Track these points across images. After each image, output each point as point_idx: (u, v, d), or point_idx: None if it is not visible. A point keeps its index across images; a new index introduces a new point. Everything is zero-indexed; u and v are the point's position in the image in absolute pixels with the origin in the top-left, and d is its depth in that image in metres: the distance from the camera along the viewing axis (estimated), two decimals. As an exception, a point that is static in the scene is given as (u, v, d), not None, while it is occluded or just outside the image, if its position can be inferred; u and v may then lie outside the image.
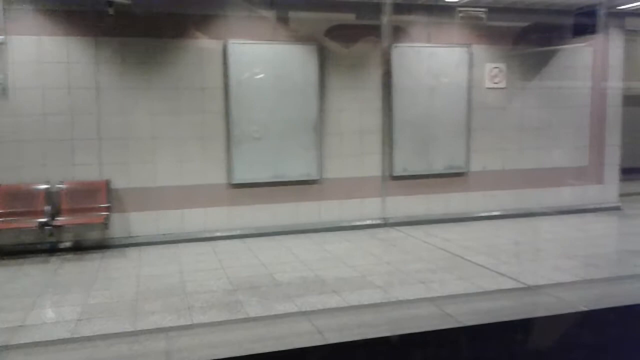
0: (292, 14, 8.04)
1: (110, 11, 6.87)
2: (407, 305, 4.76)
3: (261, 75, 7.88)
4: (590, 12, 8.75)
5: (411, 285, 5.40)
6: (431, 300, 4.83)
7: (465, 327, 4.20)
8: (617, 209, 9.67)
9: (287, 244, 7.37)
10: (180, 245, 7.45)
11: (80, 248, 7.34)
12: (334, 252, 6.88)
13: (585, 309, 4.60)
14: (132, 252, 7.14)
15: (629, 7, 9.12)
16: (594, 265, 6.07)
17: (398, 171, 8.60)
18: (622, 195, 11.27)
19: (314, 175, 8.24)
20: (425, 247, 7.08)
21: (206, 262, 6.47)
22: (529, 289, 5.22)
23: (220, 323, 4.46)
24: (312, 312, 4.60)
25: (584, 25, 8.99)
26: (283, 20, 8.02)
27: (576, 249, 6.96)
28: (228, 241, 7.62)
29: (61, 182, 7.28)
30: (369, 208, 8.54)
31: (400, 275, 5.79)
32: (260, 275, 5.83)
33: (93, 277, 6.00)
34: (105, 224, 7.18)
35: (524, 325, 4.24)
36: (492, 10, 8.81)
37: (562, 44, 9.30)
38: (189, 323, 4.47)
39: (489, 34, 8.93)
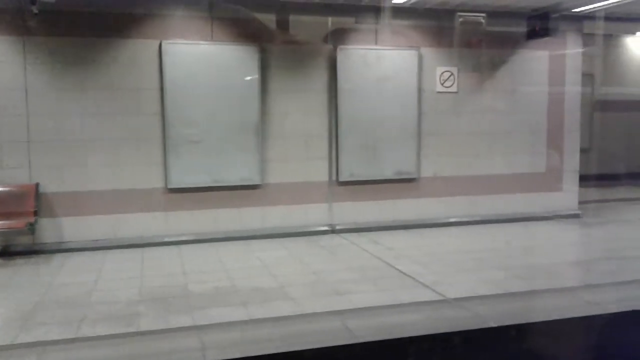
0: (232, 14, 7.80)
1: (35, 10, 6.63)
2: (309, 319, 4.52)
3: (199, 77, 7.64)
4: (544, 16, 8.54)
5: (327, 297, 5.15)
6: (338, 313, 4.58)
7: (360, 344, 3.95)
8: (576, 216, 9.43)
9: (221, 251, 7.12)
10: (111, 252, 7.19)
11: (7, 254, 7.08)
12: (265, 260, 6.62)
13: (495, 325, 4.36)
14: (59, 258, 6.88)
15: (584, 10, 8.91)
16: (522, 277, 5.82)
17: (345, 176, 8.36)
18: (590, 202, 11.12)
19: (255, 180, 7.99)
20: (362, 256, 6.83)
21: (127, 271, 6.21)
22: (445, 302, 4.98)
23: (102, 337, 4.20)
24: (205, 326, 4.35)
25: (538, 28, 8.78)
26: (222, 20, 7.78)
27: (515, 259, 6.71)
28: (162, 248, 7.36)
29: (-14, 186, 7.04)
30: (315, 214, 8.29)
31: (321, 286, 5.54)
32: (174, 286, 5.58)
33: (3, 284, 5.74)
34: (30, 229, 6.91)
35: (424, 342, 4.00)
36: (444, 12, 8.61)
37: (516, 48, 9.08)
38: (72, 336, 4.22)
39: (440, 37, 8.72)
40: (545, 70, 9.29)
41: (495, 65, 9.03)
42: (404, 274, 5.92)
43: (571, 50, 9.38)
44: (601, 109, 14.36)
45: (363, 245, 7.36)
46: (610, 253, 6.93)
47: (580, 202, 10.87)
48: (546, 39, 8.93)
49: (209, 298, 5.13)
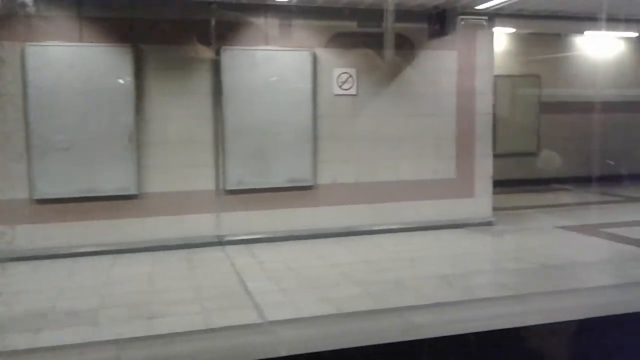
0: (103, 13, 7.36)
1: None
2: (80, 350, 4.05)
3: (67, 81, 7.19)
4: (441, 14, 8.11)
5: (133, 320, 4.69)
6: (115, 343, 4.12)
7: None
8: (488, 224, 8.95)
9: (79, 267, 6.66)
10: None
11: None
12: (114, 278, 6.17)
13: (286, 353, 3.90)
14: None
15: (490, 8, 8.47)
16: (374, 294, 5.36)
17: (232, 184, 7.90)
18: (519, 208, 10.65)
19: (132, 190, 7.52)
20: (221, 272, 6.36)
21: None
22: (259, 326, 4.52)
23: None
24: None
25: (440, 27, 8.34)
26: (92, 20, 7.34)
27: (386, 273, 6.24)
28: (23, 263, 6.89)
29: None
30: (200, 225, 7.82)
31: (139, 308, 5.05)
32: None
33: None
34: None
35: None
36: (340, 11, 8.18)
37: (423, 48, 8.63)
38: None
39: (336, 37, 8.27)
40: (453, 70, 8.83)
41: (399, 66, 8.59)
42: (248, 293, 5.45)
43: (482, 50, 8.93)
44: (549, 111, 13.93)
45: (235, 259, 6.90)
46: (495, 265, 6.49)
47: (505, 209, 10.46)
48: (453, 37, 8.53)
49: None
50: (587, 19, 11.23)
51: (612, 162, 13.26)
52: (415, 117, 8.69)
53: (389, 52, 8.50)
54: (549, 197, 12.16)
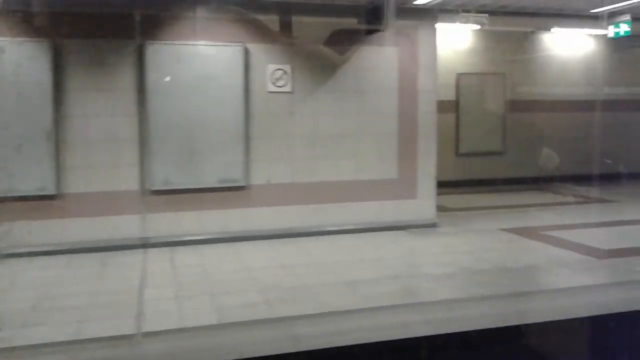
0: (17, 6, 7.05)
1: None
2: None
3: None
4: (376, 9, 7.81)
5: None
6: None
7: None
8: (432, 226, 8.67)
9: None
10: None
11: None
12: (14, 283, 5.87)
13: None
14: None
15: (428, 3, 8.19)
16: (271, 302, 5.07)
17: (158, 185, 7.60)
18: (472, 209, 10.39)
19: (50, 190, 7.22)
20: (129, 277, 6.07)
21: None
22: (125, 338, 4.22)
23: None
24: None
25: (375, 22, 8.04)
26: (6, 13, 7.04)
27: (299, 278, 5.95)
28: None
29: None
30: (124, 227, 7.51)
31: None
32: None
33: None
34: None
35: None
36: (274, 5, 7.90)
37: (362, 44, 8.34)
38: None
39: (271, 32, 7.99)
40: (394, 67, 8.55)
41: (338, 63, 8.30)
42: (141, 301, 5.16)
43: (425, 46, 8.64)
44: (515, 110, 13.66)
45: (151, 263, 6.61)
46: (415, 270, 6.21)
47: (460, 210, 10.21)
48: (395, 33, 8.26)
49: None
50: (553, 16, 11.00)
51: (607, 161, 12.95)
52: (355, 115, 8.41)
53: (328, 48, 8.22)
54: (511, 198, 11.88)
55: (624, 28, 8.45)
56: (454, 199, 11.50)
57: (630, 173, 12.86)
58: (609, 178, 13.27)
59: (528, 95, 13.60)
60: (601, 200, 11.33)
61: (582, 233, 8.00)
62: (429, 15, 8.59)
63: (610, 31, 8.56)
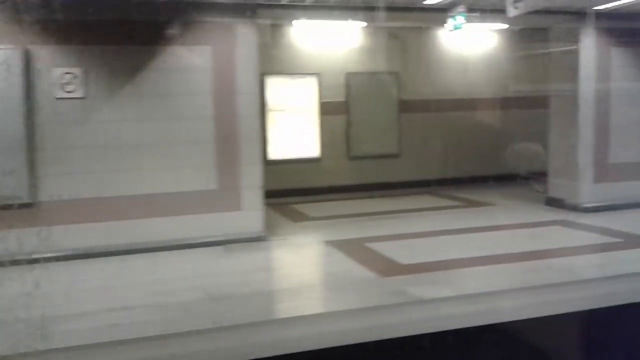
0: None
1: None
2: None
3: None
4: (173, 5, 7.08)
5: None
6: None
7: None
8: (258, 239, 7.93)
9: None
10: None
11: None
12: None
13: None
14: None
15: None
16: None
17: None
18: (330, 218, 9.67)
19: None
20: None
21: None
22: None
23: None
24: None
25: (173, 20, 7.32)
26: None
27: (31, 310, 5.20)
28: None
29: None
30: None
31: None
32: None
33: None
34: None
35: None
36: (63, 3, 7.14)
37: (167, 42, 7.61)
38: None
39: (58, 32, 7.22)
40: (208, 68, 7.81)
41: (142, 64, 7.56)
42: None
43: (243, 45, 7.91)
44: (409, 110, 13.00)
45: None
46: (154, 298, 5.44)
47: (315, 219, 9.54)
48: (209, 31, 7.58)
49: None
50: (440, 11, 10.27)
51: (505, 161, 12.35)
52: (164, 121, 7.67)
53: (129, 47, 7.49)
54: (393, 203, 11.23)
55: (460, 21, 7.78)
56: (327, 206, 10.84)
57: (532, 173, 12.22)
58: (508, 179, 12.68)
59: (424, 94, 12.96)
60: (477, 204, 10.69)
61: (405, 244, 7.34)
62: (246, 10, 7.87)
63: (450, 24, 7.87)
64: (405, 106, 13.00)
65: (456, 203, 11.00)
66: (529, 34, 12.53)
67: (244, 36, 7.86)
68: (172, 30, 7.42)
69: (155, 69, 7.56)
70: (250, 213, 8.02)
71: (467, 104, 13.27)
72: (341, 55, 12.13)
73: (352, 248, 7.14)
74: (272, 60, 11.69)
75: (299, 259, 6.92)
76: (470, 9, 7.83)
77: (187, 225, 7.71)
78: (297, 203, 11.05)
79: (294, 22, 10.94)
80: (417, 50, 12.80)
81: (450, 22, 7.88)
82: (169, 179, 7.66)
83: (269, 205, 10.88)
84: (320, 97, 12.24)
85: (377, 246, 7.15)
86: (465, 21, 7.72)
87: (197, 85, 7.73)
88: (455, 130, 13.09)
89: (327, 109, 12.36)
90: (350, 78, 12.51)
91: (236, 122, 7.91)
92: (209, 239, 7.73)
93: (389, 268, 6.11)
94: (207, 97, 7.78)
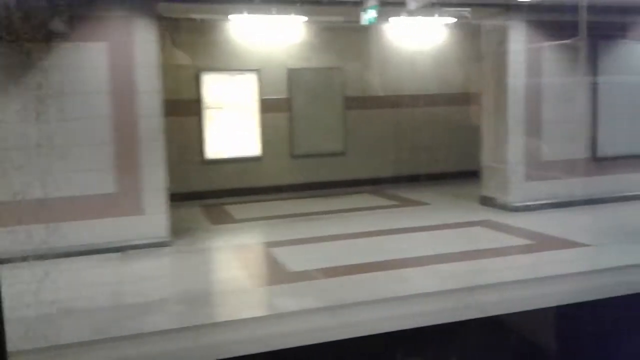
0: None
1: None
2: None
3: None
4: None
5: None
6: None
7: None
8: (162, 245, 7.56)
9: None
10: None
11: None
12: None
13: None
14: None
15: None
16: None
17: None
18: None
19: None
20: None
21: None
22: None
23: None
24: None
25: (65, 13, 6.95)
26: None
27: None
28: None
29: None
30: None
31: None
32: None
33: None
34: None
35: None
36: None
37: (58, 39, 7.21)
38: None
39: None
40: (104, 65, 7.43)
41: (30, 62, 7.17)
42: None
43: (142, 42, 7.54)
44: (355, 107, 12.65)
45: None
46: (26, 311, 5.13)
47: (238, 221, 9.20)
48: (104, 27, 7.21)
49: None
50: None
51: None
52: (56, 121, 7.26)
53: (12, 45, 7.09)
54: (329, 203, 10.90)
55: (372, 14, 7.43)
56: (261, 207, 10.50)
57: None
58: (455, 176, 12.40)
59: (371, 91, 12.62)
60: (413, 204, 10.38)
61: (315, 248, 7.04)
62: (145, 5, 7.50)
63: (363, 18, 7.52)
64: (351, 103, 12.66)
65: (393, 202, 10.69)
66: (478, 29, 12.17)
67: (144, 32, 7.49)
68: (63, 25, 7.04)
69: (45, 67, 7.17)
70: (153, 217, 7.66)
71: (415, 101, 12.93)
72: (282, 50, 11.76)
73: (249, 254, 6.82)
74: (209, 57, 11.36)
75: (188, 267, 6.57)
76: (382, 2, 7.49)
77: (82, 231, 7.33)
78: (232, 204, 10.72)
79: (230, 17, 10.53)
80: (363, 45, 12.41)
81: (363, 16, 7.53)
82: (61, 182, 7.28)
83: (201, 206, 10.59)
84: (261, 93, 11.88)
85: (281, 251, 6.81)
86: (377, 14, 7.37)
87: (91, 84, 7.36)
88: (403, 128, 12.76)
89: (268, 106, 11.99)
90: (292, 74, 12.15)
91: (136, 122, 7.55)
92: (108, 245, 7.38)
93: (272, 276, 5.79)
94: (103, 96, 7.41)
